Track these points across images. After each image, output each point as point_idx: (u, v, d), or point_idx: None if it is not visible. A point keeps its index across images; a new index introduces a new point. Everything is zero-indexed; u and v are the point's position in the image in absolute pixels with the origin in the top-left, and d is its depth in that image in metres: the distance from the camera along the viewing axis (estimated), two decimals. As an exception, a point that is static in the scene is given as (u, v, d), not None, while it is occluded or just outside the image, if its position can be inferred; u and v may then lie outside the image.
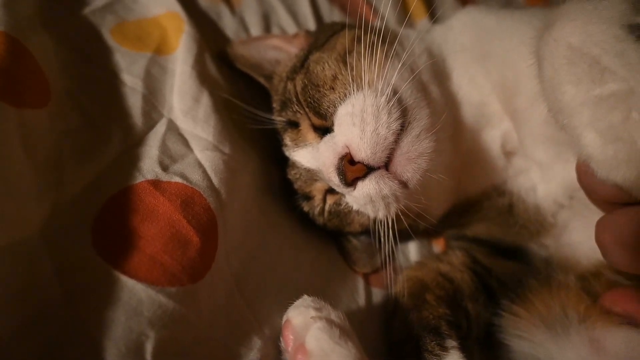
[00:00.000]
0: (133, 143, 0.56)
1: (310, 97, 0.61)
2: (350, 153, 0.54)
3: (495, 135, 0.67)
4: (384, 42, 0.60)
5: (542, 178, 0.67)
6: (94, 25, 0.65)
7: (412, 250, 0.77)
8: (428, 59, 0.67)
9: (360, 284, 0.69)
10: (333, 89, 0.59)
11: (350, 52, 0.61)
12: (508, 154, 0.69)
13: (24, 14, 0.56)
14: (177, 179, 0.53)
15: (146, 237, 0.46)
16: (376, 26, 0.68)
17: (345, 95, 0.57)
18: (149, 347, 0.40)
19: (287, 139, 0.65)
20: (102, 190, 0.49)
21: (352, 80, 0.57)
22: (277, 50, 0.78)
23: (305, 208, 0.68)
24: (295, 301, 0.53)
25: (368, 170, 0.55)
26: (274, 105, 0.71)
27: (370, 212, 0.59)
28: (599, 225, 0.47)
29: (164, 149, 0.55)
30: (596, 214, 0.46)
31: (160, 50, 0.67)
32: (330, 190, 0.65)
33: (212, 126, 0.61)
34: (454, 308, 0.62)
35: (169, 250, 0.46)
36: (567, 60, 0.42)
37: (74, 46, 0.61)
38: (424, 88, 0.63)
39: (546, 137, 0.62)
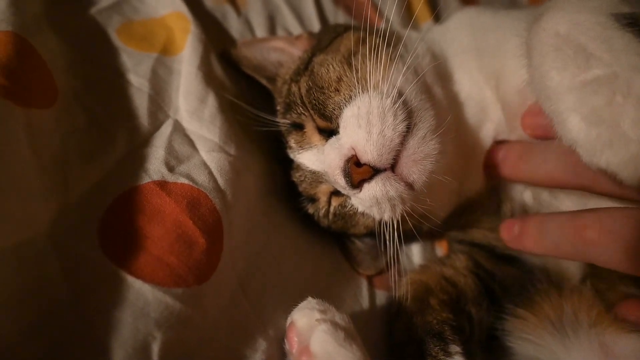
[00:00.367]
0: (139, 144, 0.56)
1: (315, 99, 0.61)
2: (356, 155, 0.54)
3: (490, 128, 0.67)
4: (388, 44, 0.60)
5: None
6: (100, 25, 0.65)
7: (416, 252, 0.76)
8: (432, 61, 0.67)
9: (364, 286, 0.69)
10: (338, 90, 0.59)
11: (355, 54, 0.61)
12: None
13: (31, 14, 0.56)
14: (183, 180, 0.53)
15: (152, 238, 0.46)
16: (381, 28, 0.68)
17: (351, 97, 0.57)
18: (155, 348, 0.40)
19: (292, 142, 0.65)
20: (108, 190, 0.49)
21: (358, 82, 0.57)
22: (280, 52, 0.78)
23: (310, 210, 0.68)
24: (299, 303, 0.53)
25: (374, 172, 0.54)
26: (278, 107, 0.71)
27: (375, 214, 0.59)
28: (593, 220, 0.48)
29: (170, 149, 0.55)
30: None
31: (166, 51, 0.67)
32: (335, 193, 0.65)
33: (217, 127, 0.61)
34: (457, 312, 0.62)
35: (175, 251, 0.46)
36: (554, 47, 0.43)
37: (81, 46, 0.61)
38: (428, 90, 0.63)
39: None
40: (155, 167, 0.53)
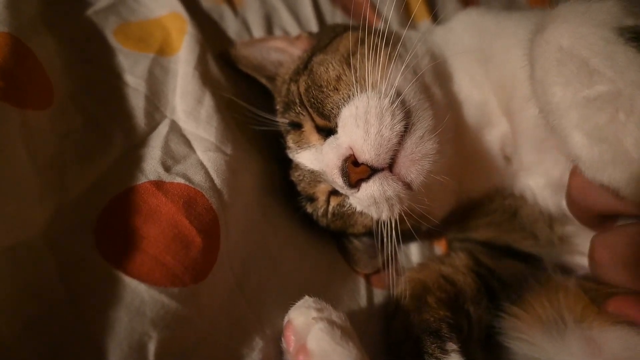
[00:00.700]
0: (135, 144, 0.56)
1: (313, 98, 0.61)
2: (354, 154, 0.54)
3: (494, 135, 0.68)
4: (387, 44, 0.60)
5: (540, 182, 0.67)
6: (96, 26, 0.65)
7: (414, 251, 0.76)
8: (431, 61, 0.67)
9: (362, 284, 0.69)
10: (337, 90, 0.59)
11: (354, 53, 0.61)
12: (507, 158, 0.69)
13: (27, 15, 0.56)
14: (180, 180, 0.53)
15: (149, 238, 0.46)
16: (379, 28, 0.68)
17: (349, 97, 0.57)
18: (151, 348, 0.40)
19: (290, 141, 0.66)
20: (104, 191, 0.49)
21: (356, 81, 0.57)
22: (280, 52, 0.78)
23: (309, 209, 0.68)
24: (296, 302, 0.53)
25: (372, 171, 0.55)
26: (277, 107, 0.71)
27: (373, 213, 0.59)
28: (597, 243, 0.47)
29: (166, 149, 0.55)
30: None
31: (162, 51, 0.67)
32: (334, 192, 0.65)
33: (214, 127, 0.61)
34: (455, 310, 0.62)
35: (171, 251, 0.46)
36: (557, 61, 0.42)
37: (77, 47, 0.61)
38: (426, 89, 0.63)
39: (540, 141, 0.62)
40: (151, 167, 0.53)
